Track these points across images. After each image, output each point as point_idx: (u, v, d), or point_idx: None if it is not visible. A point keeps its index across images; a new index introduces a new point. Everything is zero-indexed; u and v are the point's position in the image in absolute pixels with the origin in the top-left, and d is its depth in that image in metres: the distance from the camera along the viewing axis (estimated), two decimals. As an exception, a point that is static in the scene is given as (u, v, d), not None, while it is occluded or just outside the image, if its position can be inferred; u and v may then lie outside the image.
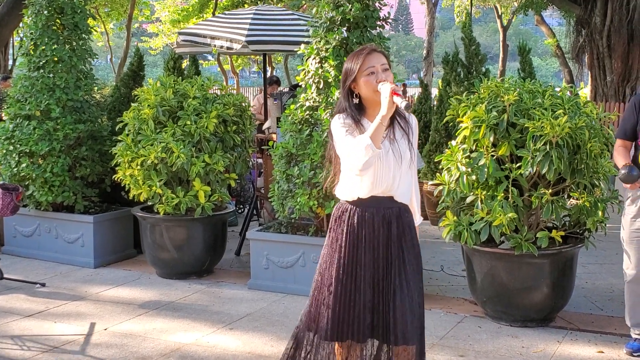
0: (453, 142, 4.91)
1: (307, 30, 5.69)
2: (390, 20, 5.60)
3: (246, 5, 16.92)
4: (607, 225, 4.86)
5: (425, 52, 19.44)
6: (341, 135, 3.02)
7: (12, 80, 5.41)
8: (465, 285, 5.38)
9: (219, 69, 23.35)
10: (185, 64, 9.67)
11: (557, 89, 5.10)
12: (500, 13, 26.29)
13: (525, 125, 4.55)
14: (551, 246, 4.71)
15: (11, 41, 15.55)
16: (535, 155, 4.48)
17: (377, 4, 5.43)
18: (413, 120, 3.18)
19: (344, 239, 3.10)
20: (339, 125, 3.05)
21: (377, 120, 2.87)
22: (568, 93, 5.01)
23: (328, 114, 5.28)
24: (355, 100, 3.08)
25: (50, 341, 4.56)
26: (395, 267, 3.07)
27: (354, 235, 3.09)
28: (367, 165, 2.93)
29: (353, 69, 3.06)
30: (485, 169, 4.61)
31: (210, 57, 26.83)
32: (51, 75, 6.46)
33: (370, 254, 3.08)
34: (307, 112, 5.45)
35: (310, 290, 3.29)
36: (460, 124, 4.83)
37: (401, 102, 2.85)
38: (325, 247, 3.20)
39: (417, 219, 3.30)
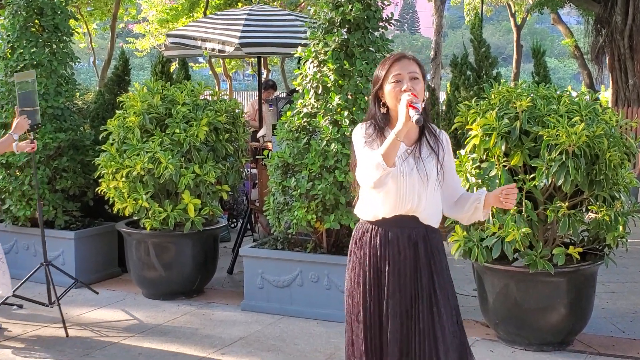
0: (462, 152, 4.94)
1: (305, 32, 5.72)
2: (393, 21, 5.64)
3: (240, 5, 16.98)
4: (628, 240, 4.87)
5: (432, 53, 19.44)
6: (359, 146, 3.04)
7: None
8: (476, 306, 5.39)
9: (210, 72, 23.40)
10: (174, 67, 9.72)
11: (574, 94, 5.13)
12: (513, 11, 26.35)
13: (540, 134, 4.58)
14: (568, 263, 4.72)
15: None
16: (551, 166, 4.50)
17: (379, 4, 5.47)
18: (444, 137, 3.16)
19: (367, 262, 3.08)
20: (360, 135, 3.06)
21: (392, 136, 2.84)
22: (587, 98, 5.03)
23: (327, 121, 5.31)
24: (383, 110, 3.07)
25: (27, 368, 4.57)
26: (426, 294, 3.03)
27: (377, 258, 3.06)
28: (379, 183, 2.89)
29: (380, 75, 3.07)
30: (497, 181, 4.63)
31: (201, 60, 26.91)
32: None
33: (396, 279, 3.03)
34: (305, 119, 5.48)
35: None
36: (470, 132, 4.86)
37: (413, 116, 2.80)
38: (347, 272, 3.17)
39: (481, 193, 3.19)
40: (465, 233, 4.85)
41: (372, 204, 3.09)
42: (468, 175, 4.77)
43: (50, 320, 5.46)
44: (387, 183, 2.92)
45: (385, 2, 5.55)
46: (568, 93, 5.05)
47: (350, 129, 5.21)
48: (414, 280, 3.04)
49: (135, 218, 6.10)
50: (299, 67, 5.68)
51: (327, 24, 5.44)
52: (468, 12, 27.18)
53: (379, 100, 3.10)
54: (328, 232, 5.56)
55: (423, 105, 3.06)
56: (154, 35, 21.95)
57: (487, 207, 3.16)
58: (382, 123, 3.06)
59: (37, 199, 5.65)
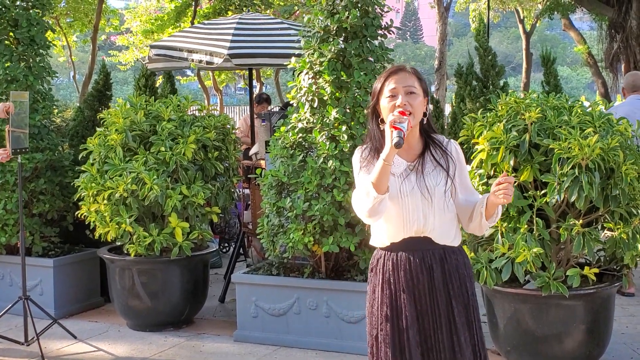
0: (468, 167, 4.94)
1: (299, 41, 5.75)
2: (394, 29, 5.67)
3: (230, 13, 17.06)
4: (648, 260, 4.88)
5: (437, 62, 19.55)
6: (355, 173, 3.07)
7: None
8: (486, 333, 5.34)
9: (199, 85, 23.48)
10: (159, 81, 9.74)
11: (587, 104, 5.15)
12: (522, 17, 26.50)
13: (550, 147, 4.59)
14: (584, 285, 4.72)
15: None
16: (563, 181, 4.51)
17: (377, 11, 5.50)
18: (453, 146, 3.15)
19: (380, 290, 3.09)
20: (356, 160, 3.09)
21: (380, 161, 2.85)
22: (602, 108, 5.05)
23: (324, 137, 5.33)
24: (382, 126, 3.07)
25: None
26: (445, 322, 3.03)
27: (391, 285, 3.07)
28: (373, 212, 2.91)
29: (376, 89, 3.09)
30: (506, 198, 4.63)
31: (189, 73, 26.97)
32: (4, 97, 6.52)
33: (413, 307, 3.03)
34: (300, 134, 5.49)
35: None
36: (476, 146, 4.87)
37: (393, 138, 2.82)
38: (367, 302, 3.19)
39: (484, 195, 3.10)
40: (472, 254, 4.85)
41: (380, 230, 3.11)
42: (475, 192, 4.78)
43: (28, 355, 5.44)
44: (382, 211, 2.94)
45: (384, 9, 5.59)
46: (580, 103, 5.07)
47: (348, 145, 5.23)
48: (432, 308, 3.04)
49: (119, 243, 6.09)
50: (293, 79, 5.71)
51: (322, 32, 5.47)
52: (474, 19, 27.32)
53: (377, 116, 3.11)
54: (327, 256, 5.56)
55: (425, 120, 3.08)
56: (138, 48, 22.02)
57: (490, 208, 3.05)
58: (379, 141, 3.06)
59: (20, 226, 5.65)
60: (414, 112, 2.97)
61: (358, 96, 5.35)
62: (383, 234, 3.10)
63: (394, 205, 2.99)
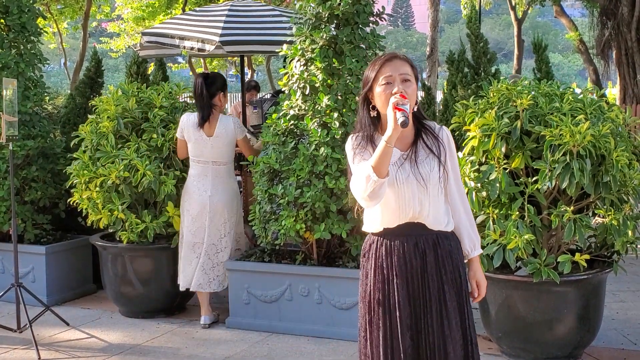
0: (460, 154, 4.95)
1: (290, 28, 5.74)
2: (385, 15, 5.66)
3: (221, 0, 17.00)
4: (638, 246, 4.89)
5: (428, 49, 19.49)
6: (349, 160, 3.08)
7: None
8: (477, 319, 5.36)
9: (190, 73, 23.41)
10: (151, 68, 9.71)
11: (578, 91, 5.17)
12: (513, 4, 26.49)
13: (542, 134, 4.60)
14: (575, 272, 4.74)
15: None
16: (554, 168, 4.52)
17: (369, -3, 5.49)
18: (444, 133, 3.17)
19: (372, 275, 3.11)
20: (349, 148, 3.10)
21: (382, 143, 2.86)
22: (593, 95, 5.06)
23: (315, 124, 5.32)
24: (373, 113, 3.10)
25: (-4, 393, 4.55)
26: (435, 307, 3.06)
27: (384, 270, 3.09)
28: (373, 196, 2.91)
29: (369, 77, 3.09)
30: (497, 184, 4.65)
31: (180, 60, 26.88)
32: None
33: (404, 291, 3.06)
34: (292, 121, 5.48)
35: None
36: (468, 133, 4.88)
37: (399, 118, 2.83)
38: (359, 287, 3.21)
39: (474, 247, 3.23)
40: (464, 241, 4.85)
41: (374, 216, 3.13)
42: (467, 179, 4.79)
43: (21, 342, 5.44)
44: (382, 195, 2.94)
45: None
46: (571, 90, 5.08)
47: (340, 132, 5.23)
48: (422, 292, 3.07)
49: (111, 230, 6.09)
50: (284, 66, 5.70)
51: (314, 19, 5.45)
52: (465, 6, 27.28)
53: (369, 103, 3.12)
54: (318, 243, 5.57)
55: (416, 108, 3.09)
56: (129, 35, 21.91)
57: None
58: (371, 128, 3.09)
59: (12, 214, 5.64)
60: (409, 99, 2.97)
61: (350, 83, 5.35)
62: (377, 220, 3.11)
63: (390, 192, 3.01)
